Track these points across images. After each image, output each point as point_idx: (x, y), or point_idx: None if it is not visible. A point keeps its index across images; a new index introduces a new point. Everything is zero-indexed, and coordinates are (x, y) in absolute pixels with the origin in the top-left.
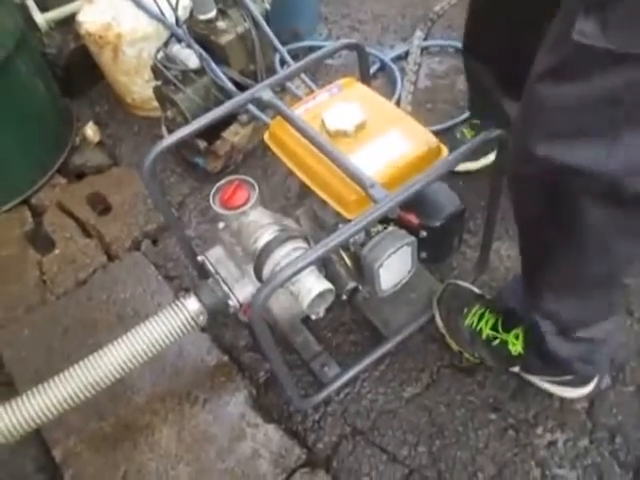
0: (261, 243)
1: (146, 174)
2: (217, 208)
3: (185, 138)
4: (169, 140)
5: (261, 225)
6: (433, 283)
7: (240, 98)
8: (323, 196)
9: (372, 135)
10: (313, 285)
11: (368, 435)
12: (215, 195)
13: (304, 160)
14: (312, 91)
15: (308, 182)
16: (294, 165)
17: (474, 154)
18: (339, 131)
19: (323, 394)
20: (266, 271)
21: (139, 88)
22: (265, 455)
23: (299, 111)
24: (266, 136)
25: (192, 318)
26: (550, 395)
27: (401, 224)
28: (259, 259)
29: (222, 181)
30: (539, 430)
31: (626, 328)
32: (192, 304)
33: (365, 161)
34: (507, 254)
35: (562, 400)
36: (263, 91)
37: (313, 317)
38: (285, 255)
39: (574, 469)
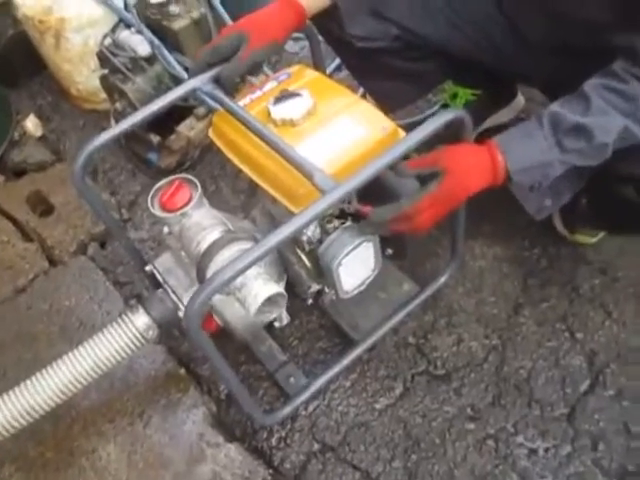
0: (203, 246)
1: (77, 175)
2: (156, 211)
3: (128, 131)
4: (106, 136)
5: (204, 227)
6: (404, 280)
7: (176, 91)
8: (271, 192)
9: (322, 122)
10: (260, 290)
11: (339, 451)
12: (154, 197)
13: (250, 154)
14: None
15: (255, 178)
16: (240, 160)
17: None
18: (285, 120)
19: (288, 408)
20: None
21: (85, 78)
22: (227, 478)
23: (244, 101)
24: (210, 131)
25: (140, 334)
26: (529, 402)
27: (360, 219)
28: (201, 264)
29: (161, 182)
30: (519, 439)
31: (605, 329)
32: (139, 318)
33: (315, 151)
34: (481, 252)
35: (542, 407)
36: (202, 82)
37: (277, 324)
38: (228, 258)
39: (557, 479)
